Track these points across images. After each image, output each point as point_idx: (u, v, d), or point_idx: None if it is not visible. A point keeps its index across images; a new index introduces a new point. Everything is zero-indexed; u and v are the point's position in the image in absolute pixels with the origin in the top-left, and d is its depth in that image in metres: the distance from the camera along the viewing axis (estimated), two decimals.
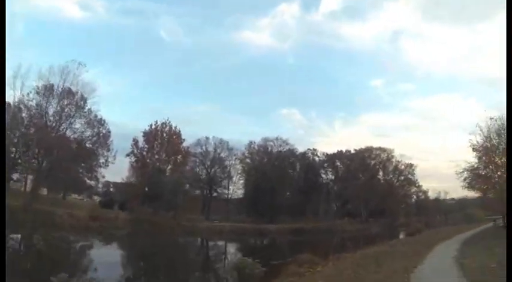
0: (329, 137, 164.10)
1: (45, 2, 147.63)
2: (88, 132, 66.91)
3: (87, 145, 68.41)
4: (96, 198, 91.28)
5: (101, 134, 69.46)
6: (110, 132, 70.46)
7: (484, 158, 38.93)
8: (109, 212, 66.57)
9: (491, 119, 37.50)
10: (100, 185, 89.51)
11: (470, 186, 41.39)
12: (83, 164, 69.71)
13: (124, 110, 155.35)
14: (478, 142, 38.68)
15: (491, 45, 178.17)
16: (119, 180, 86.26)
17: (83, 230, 49.74)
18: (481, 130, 38.37)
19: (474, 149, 39.11)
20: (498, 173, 37.73)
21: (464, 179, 40.75)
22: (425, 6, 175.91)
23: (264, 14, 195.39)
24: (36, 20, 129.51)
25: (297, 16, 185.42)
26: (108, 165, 71.85)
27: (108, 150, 71.08)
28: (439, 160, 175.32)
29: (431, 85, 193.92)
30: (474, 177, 40.29)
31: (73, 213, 53.94)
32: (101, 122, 68.83)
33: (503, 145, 37.05)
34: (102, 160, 70.96)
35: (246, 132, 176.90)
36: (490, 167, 38.70)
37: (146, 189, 75.85)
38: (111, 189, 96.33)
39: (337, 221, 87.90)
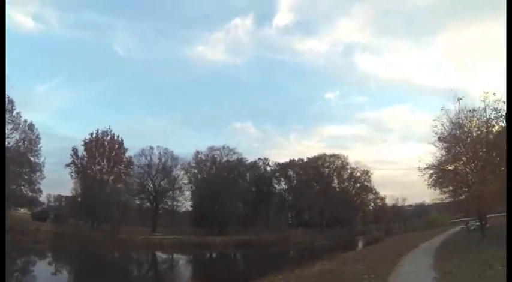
0: (285, 149, 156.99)
1: None
2: (15, 137, 59.93)
3: (15, 151, 60.13)
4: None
5: (28, 139, 62.01)
6: (39, 138, 63.58)
7: (453, 149, 30.48)
8: (32, 224, 60.43)
9: (459, 99, 29.35)
10: (52, 199, 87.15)
11: (437, 184, 32.73)
12: (25, 177, 63.49)
13: (78, 124, 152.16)
14: (445, 129, 30.28)
15: (441, 57, 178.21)
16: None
17: None
18: (447, 115, 30.02)
19: (440, 139, 30.73)
20: (472, 166, 29.38)
21: (430, 176, 32.08)
22: (376, 21, 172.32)
23: (217, 28, 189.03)
24: None
25: (250, 31, 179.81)
26: (36, 172, 64.35)
27: (37, 156, 63.81)
28: (394, 169, 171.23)
29: (384, 97, 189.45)
30: (441, 174, 31.69)
31: None
32: (31, 127, 62.19)
33: (475, 134, 29.18)
34: (27, 168, 63.26)
35: (200, 146, 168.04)
36: (463, 160, 30.17)
37: (79, 199, 70.99)
38: (63, 204, 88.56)
39: (290, 232, 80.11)
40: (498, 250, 15.84)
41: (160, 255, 55.64)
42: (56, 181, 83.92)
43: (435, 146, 31.58)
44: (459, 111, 29.62)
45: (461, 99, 29.37)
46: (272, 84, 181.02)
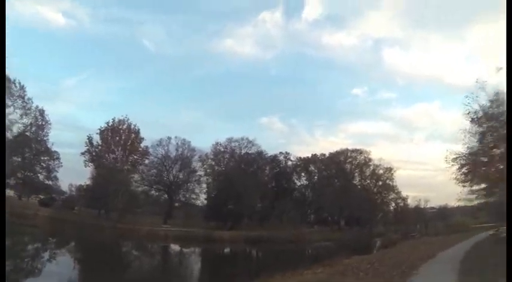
0: (310, 145, 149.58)
1: (28, 9, 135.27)
2: (25, 122, 57.34)
3: (26, 135, 58.19)
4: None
5: (37, 125, 58.99)
6: (49, 124, 60.98)
7: (490, 135, 22.74)
8: (35, 209, 59.04)
9: (499, 69, 21.53)
10: (73, 189, 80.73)
11: (467, 179, 25.07)
12: (43, 164, 62.44)
13: (104, 116, 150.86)
14: (480, 108, 22.55)
15: (472, 53, 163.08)
16: None
17: None
18: (484, 89, 22.29)
19: (474, 121, 23.05)
20: None
21: (459, 169, 24.49)
22: (407, 14, 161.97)
23: (246, 22, 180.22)
24: (20, 28, 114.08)
25: (279, 25, 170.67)
26: (54, 160, 63.35)
27: (45, 142, 61.73)
28: (419, 169, 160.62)
29: (413, 93, 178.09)
30: (473, 166, 24.00)
31: None
32: (41, 113, 59.51)
33: None
34: (46, 156, 62.61)
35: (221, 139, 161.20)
36: (501, 149, 22.21)
37: (85, 187, 69.79)
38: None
39: (305, 230, 72.94)
40: None
41: (158, 246, 51.95)
42: (81, 171, 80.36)
43: (466, 133, 24.04)
44: (498, 84, 21.92)
45: (501, 68, 21.69)
46: (300, 78, 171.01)
